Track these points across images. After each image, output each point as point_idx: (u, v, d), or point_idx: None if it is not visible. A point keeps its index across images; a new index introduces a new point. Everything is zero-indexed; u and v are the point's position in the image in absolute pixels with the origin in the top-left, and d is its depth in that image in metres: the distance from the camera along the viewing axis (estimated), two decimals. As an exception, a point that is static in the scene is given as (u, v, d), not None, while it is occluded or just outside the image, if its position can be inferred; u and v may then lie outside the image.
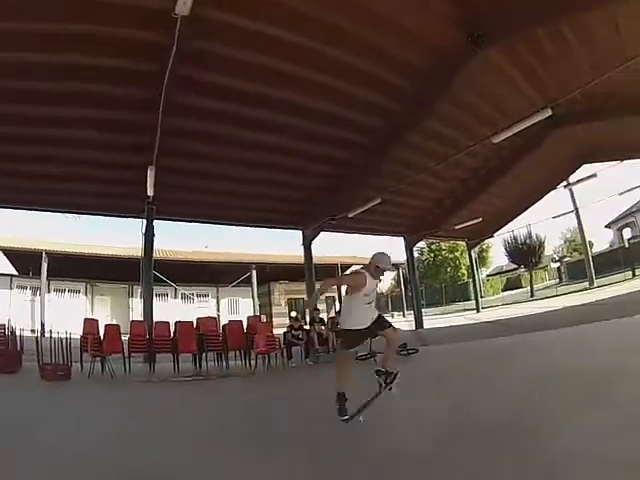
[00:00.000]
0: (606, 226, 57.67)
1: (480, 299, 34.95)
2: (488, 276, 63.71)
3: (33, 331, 24.40)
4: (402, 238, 26.98)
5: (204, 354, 14.05)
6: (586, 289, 30.99)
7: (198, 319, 15.63)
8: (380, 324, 6.36)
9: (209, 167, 15.67)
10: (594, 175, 25.81)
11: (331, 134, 15.31)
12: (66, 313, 28.66)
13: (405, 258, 28.14)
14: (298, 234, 21.34)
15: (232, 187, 17.06)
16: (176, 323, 14.82)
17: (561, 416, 5.41)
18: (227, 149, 14.84)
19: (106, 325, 13.73)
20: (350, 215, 18.61)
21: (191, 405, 9.01)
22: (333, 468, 4.61)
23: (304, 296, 28.46)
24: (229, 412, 7.96)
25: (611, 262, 36.74)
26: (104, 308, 34.13)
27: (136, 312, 28.83)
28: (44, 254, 29.09)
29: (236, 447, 5.43)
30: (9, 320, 13.80)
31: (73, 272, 32.17)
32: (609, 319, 13.57)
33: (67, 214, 21.08)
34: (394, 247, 69.72)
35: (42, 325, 25.93)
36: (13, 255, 32.29)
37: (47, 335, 13.73)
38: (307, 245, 20.77)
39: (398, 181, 18.54)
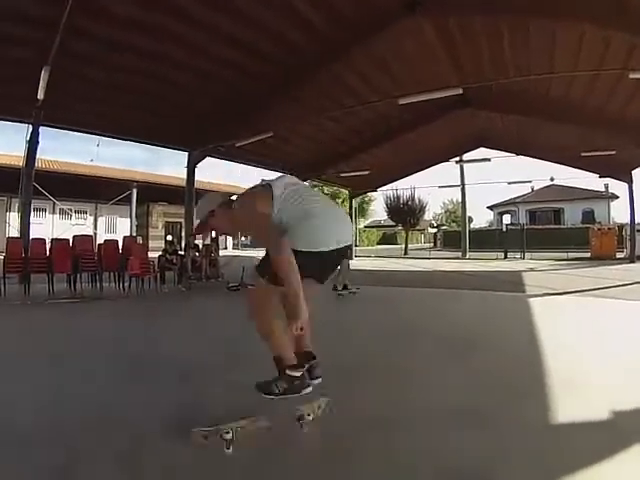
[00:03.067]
0: (489, 207, 62.78)
1: (354, 248, 35.79)
2: (366, 227, 66.48)
3: None
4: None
5: (79, 275, 13.94)
6: (458, 258, 33.47)
7: (74, 237, 15.42)
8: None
9: (106, 75, 14.67)
10: (488, 159, 27.94)
11: (232, 57, 14.90)
12: None
13: None
14: (183, 157, 21.06)
15: (127, 99, 16.33)
16: (52, 241, 14.72)
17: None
18: (127, 57, 13.88)
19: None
20: (238, 144, 18.71)
21: (60, 327, 9.08)
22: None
23: (182, 220, 28.38)
24: (93, 334, 8.31)
25: (487, 240, 40.18)
26: None
27: (13, 228, 27.92)
28: None
29: (85, 367, 5.88)
30: None
31: None
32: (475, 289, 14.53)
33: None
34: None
35: None
36: None
37: None
38: (191, 168, 20.61)
39: (294, 119, 19.02)
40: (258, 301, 3.72)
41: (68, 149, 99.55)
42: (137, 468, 3.27)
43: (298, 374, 3.61)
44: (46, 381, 5.29)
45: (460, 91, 14.85)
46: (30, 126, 15.34)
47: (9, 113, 15.85)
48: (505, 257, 31.95)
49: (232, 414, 3.60)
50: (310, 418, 3.68)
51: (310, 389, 3.68)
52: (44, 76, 12.08)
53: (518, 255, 31.87)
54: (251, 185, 4.12)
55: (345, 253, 3.74)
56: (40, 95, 12.92)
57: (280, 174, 4.75)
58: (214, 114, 18.13)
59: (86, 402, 4.51)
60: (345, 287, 13.02)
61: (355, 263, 27.63)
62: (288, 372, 3.59)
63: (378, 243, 58.93)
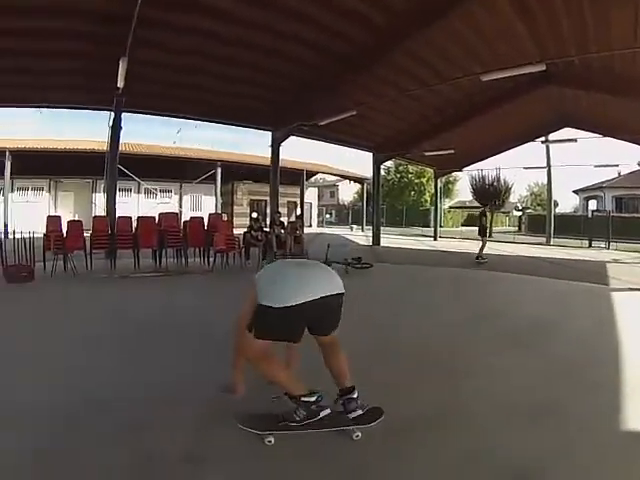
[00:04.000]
0: (574, 191, 59.55)
1: (439, 228, 35.96)
2: (450, 207, 64.66)
3: None
4: (371, 154, 27.21)
5: (164, 250, 14.21)
6: (542, 244, 31.83)
7: (160, 214, 15.74)
8: None
9: (184, 60, 15.11)
10: (574, 140, 26.54)
11: (312, 38, 14.77)
12: (30, 212, 28.53)
13: (371, 174, 28.32)
14: (267, 136, 21.02)
15: (206, 82, 16.63)
16: (138, 218, 14.96)
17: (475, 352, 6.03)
18: (204, 43, 14.19)
19: (68, 222, 13.77)
20: (321, 123, 18.31)
21: (147, 300, 9.45)
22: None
23: (267, 198, 28.54)
24: (181, 308, 8.58)
25: (571, 226, 37.49)
26: (67, 204, 34.08)
27: (99, 208, 28.77)
28: (7, 153, 28.44)
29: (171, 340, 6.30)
30: None
31: (37, 169, 31.82)
32: (559, 278, 13.80)
33: (37, 109, 20.56)
34: (362, 161, 69.04)
35: (5, 226, 25.52)
36: None
37: (11, 236, 13.55)
38: (275, 147, 20.58)
39: (376, 97, 18.52)
40: (256, 355, 3.79)
41: (154, 133, 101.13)
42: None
43: (312, 399, 3.76)
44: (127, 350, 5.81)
45: (543, 67, 14.07)
46: (112, 113, 16.10)
47: (93, 102, 16.80)
48: (590, 245, 30.17)
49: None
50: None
51: (328, 411, 3.79)
52: (122, 65, 12.49)
53: (603, 244, 30.04)
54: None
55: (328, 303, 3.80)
56: (120, 84, 13.47)
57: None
58: (296, 93, 18.08)
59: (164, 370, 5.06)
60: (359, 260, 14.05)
61: (439, 244, 27.30)
62: (303, 399, 3.74)
63: (462, 225, 57.61)
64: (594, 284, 12.53)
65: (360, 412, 3.83)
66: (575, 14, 13.79)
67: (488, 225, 22.04)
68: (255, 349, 3.76)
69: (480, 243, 18.95)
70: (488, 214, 44.93)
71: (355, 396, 3.89)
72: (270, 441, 3.60)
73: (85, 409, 4.02)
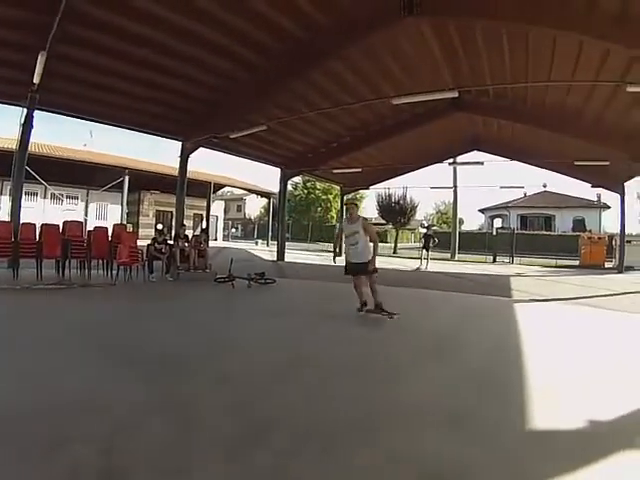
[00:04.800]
0: (480, 210, 63.04)
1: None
2: None
3: None
4: (279, 169, 27.53)
5: (68, 261, 13.99)
6: (447, 259, 33.55)
7: (64, 222, 15.36)
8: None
9: (102, 61, 14.71)
10: (481, 163, 28.83)
11: (230, 48, 14.93)
12: None
13: (278, 189, 28.51)
14: (177, 146, 20.73)
15: (122, 86, 16.33)
16: (42, 226, 14.45)
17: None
18: (125, 45, 14.02)
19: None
20: (232, 136, 18.50)
21: (49, 312, 9.32)
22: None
23: (173, 210, 28.38)
24: (80, 320, 8.48)
25: (476, 243, 40.01)
26: None
27: (3, 211, 27.92)
28: None
29: (74, 352, 6.28)
30: None
31: None
32: (464, 292, 14.69)
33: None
34: (271, 175, 69.62)
35: None
36: None
37: None
38: (184, 158, 20.40)
39: (289, 113, 18.86)
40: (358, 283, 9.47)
41: (63, 131, 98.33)
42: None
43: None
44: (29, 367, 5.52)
45: (456, 94, 14.80)
46: (25, 110, 15.29)
47: (4, 96, 15.85)
48: (494, 261, 31.89)
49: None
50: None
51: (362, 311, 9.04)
52: (41, 60, 12.24)
53: (507, 259, 31.84)
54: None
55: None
56: (36, 79, 13.14)
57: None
58: (210, 105, 18.26)
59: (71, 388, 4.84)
60: (262, 275, 14.41)
61: (343, 259, 27.69)
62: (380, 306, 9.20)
63: None
64: (498, 297, 13.50)
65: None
66: (493, 46, 14.76)
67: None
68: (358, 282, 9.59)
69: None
70: (393, 231, 46.31)
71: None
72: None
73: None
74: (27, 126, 15.39)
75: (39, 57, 12.14)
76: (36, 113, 15.49)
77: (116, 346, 6.67)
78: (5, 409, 4.20)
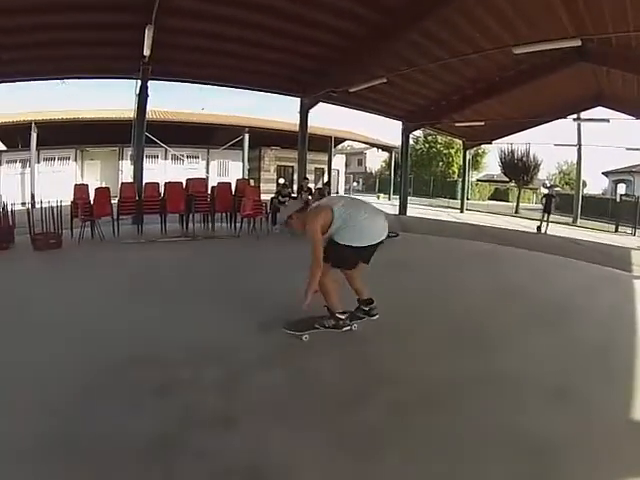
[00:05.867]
0: (604, 173, 56.87)
1: (466, 200, 35.02)
2: (478, 180, 62.77)
3: (24, 204, 24.66)
4: (400, 122, 26.56)
5: (191, 215, 14.36)
6: (568, 224, 30.17)
7: (187, 180, 15.63)
8: None
9: (210, 27, 14.91)
10: (606, 120, 24.95)
11: (345, 6, 14.28)
12: (56, 182, 28.94)
13: (400, 143, 27.67)
14: (295, 102, 20.76)
15: (233, 48, 16.36)
16: (165, 184, 14.93)
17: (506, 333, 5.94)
18: (230, 9, 13.96)
19: (96, 189, 13.75)
20: (351, 90, 18.05)
21: (172, 263, 9.79)
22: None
23: (294, 164, 28.36)
24: (205, 270, 8.94)
25: (599, 209, 36.39)
26: (94, 172, 34.34)
27: (126, 175, 28.95)
28: (33, 125, 28.88)
29: (204, 299, 6.65)
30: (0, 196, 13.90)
31: (63, 139, 32.07)
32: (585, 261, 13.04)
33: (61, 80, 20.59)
34: (391, 129, 68.25)
35: (32, 196, 25.95)
36: (2, 131, 31.90)
37: (38, 206, 13.70)
38: (304, 113, 20.34)
39: (408, 65, 18.04)
40: (329, 278, 5.36)
41: (179, 98, 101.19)
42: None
43: (342, 317, 5.43)
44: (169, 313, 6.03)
45: (578, 43, 13.65)
46: (139, 81, 16.08)
47: (120, 72, 16.96)
48: (616, 230, 28.32)
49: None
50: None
51: (349, 327, 5.53)
52: (148, 34, 12.76)
53: (629, 230, 27.77)
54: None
55: (378, 246, 5.43)
56: (146, 52, 13.78)
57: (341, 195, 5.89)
58: (326, 60, 17.74)
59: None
60: None
61: (465, 217, 27.01)
62: (337, 315, 5.41)
63: (489, 198, 56.07)
64: (618, 270, 11.94)
65: (378, 316, 5.68)
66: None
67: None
68: (329, 274, 5.31)
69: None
70: (515, 189, 44.15)
71: (374, 304, 5.67)
72: (306, 337, 5.22)
73: (127, 365, 4.33)
74: (143, 95, 16.11)
75: (146, 31, 12.65)
76: (150, 83, 16.24)
77: (241, 292, 7.09)
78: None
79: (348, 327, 5.48)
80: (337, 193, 39.04)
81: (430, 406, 3.82)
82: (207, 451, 3.09)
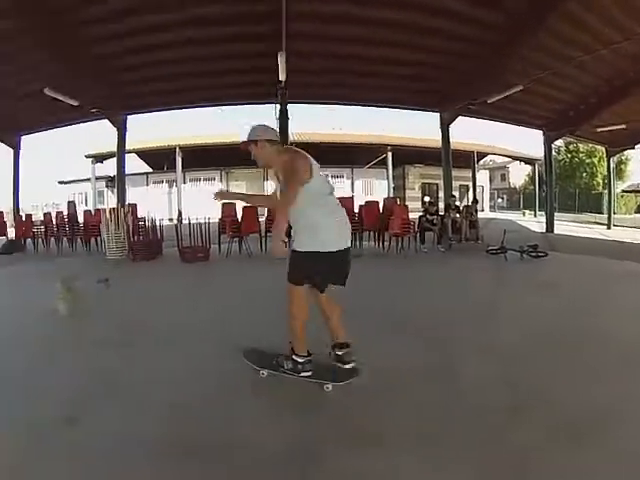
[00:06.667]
0: None
1: (612, 215, 31.20)
2: (623, 191, 56.18)
3: (171, 220, 26.09)
4: (541, 132, 25.21)
5: None
6: None
7: (337, 199, 15.66)
8: None
9: (340, 48, 15.36)
10: None
11: (470, 13, 14.07)
12: (201, 200, 30.35)
13: (543, 154, 26.23)
14: (434, 118, 20.39)
15: (367, 67, 16.62)
16: None
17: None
18: (358, 29, 14.35)
19: (243, 207, 14.36)
20: (489, 101, 17.69)
21: None
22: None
23: (438, 181, 28.03)
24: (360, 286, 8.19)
25: None
26: None
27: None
28: (177, 149, 32.33)
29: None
30: (148, 212, 14.79)
31: (207, 162, 35.32)
32: None
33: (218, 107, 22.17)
34: (531, 141, 65.28)
35: (180, 213, 28.02)
36: (148, 155, 36.35)
37: (185, 222, 14.57)
38: (445, 128, 19.96)
39: (541, 69, 17.53)
40: (298, 301, 4.15)
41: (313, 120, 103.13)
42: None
43: (300, 360, 4.28)
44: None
45: None
46: (278, 105, 16.76)
47: (259, 97, 18.37)
48: None
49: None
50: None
51: (309, 374, 4.28)
52: (281, 60, 13.42)
53: None
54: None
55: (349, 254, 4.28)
56: (281, 77, 14.49)
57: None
58: (460, 72, 17.46)
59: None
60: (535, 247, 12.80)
61: (614, 234, 24.81)
62: (293, 357, 4.29)
63: (636, 211, 50.30)
64: None
65: (353, 364, 4.31)
66: None
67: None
68: (301, 296, 4.17)
69: None
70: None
71: (350, 349, 4.34)
72: (263, 374, 4.42)
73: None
74: (283, 119, 16.64)
75: (279, 57, 13.42)
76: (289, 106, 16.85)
77: (384, 309, 6.90)
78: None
79: (308, 373, 4.28)
80: (482, 211, 38.33)
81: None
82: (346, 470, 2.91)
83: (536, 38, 15.35)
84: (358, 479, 2.82)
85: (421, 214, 15.41)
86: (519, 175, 65.15)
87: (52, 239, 16.82)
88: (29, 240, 17.06)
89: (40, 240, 16.89)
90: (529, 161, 46.02)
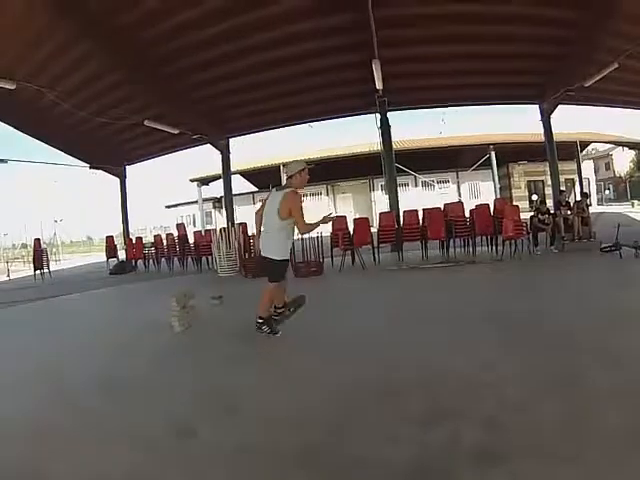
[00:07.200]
0: None
1: None
2: None
3: None
4: None
5: (452, 240, 14.47)
6: None
7: (445, 205, 15.86)
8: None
9: (434, 50, 15.25)
10: None
11: None
12: (311, 215, 31.55)
13: None
14: (533, 111, 19.81)
15: (461, 66, 16.36)
16: (424, 210, 15.23)
17: None
18: (450, 27, 14.17)
19: (355, 219, 14.53)
20: (586, 84, 16.57)
21: (437, 287, 9.75)
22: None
23: (544, 177, 27.26)
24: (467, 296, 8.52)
25: None
26: (347, 204, 36.74)
27: (378, 205, 30.25)
28: (281, 167, 32.40)
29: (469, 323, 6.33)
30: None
31: (312, 177, 35.01)
32: None
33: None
34: (633, 125, 60.66)
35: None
36: (252, 174, 38.95)
37: (296, 237, 14.82)
38: (546, 120, 19.02)
39: (633, 42, 16.82)
40: (271, 295, 6.23)
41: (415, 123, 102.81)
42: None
43: (267, 315, 6.23)
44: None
45: None
46: (378, 114, 16.91)
47: (359, 108, 18.12)
48: None
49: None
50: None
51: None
52: (376, 68, 13.48)
53: None
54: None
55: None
56: (378, 85, 14.55)
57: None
58: (555, 60, 16.90)
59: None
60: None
61: None
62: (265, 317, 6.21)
63: None
64: None
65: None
66: None
67: None
68: (274, 290, 6.23)
69: None
70: None
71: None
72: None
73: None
74: (385, 127, 16.85)
75: (373, 65, 13.37)
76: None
77: (510, 319, 6.41)
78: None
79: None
80: (590, 205, 36.90)
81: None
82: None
83: (626, 8, 14.76)
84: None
85: (532, 214, 14.93)
86: (623, 162, 61.02)
87: (163, 259, 17.72)
88: (140, 261, 18.14)
89: (151, 260, 17.95)
90: (634, 145, 43.53)
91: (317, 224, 6.27)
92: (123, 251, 19.97)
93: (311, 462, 3.08)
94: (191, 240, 17.67)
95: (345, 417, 3.73)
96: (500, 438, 3.20)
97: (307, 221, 6.18)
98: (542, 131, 19.55)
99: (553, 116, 19.11)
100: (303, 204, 6.05)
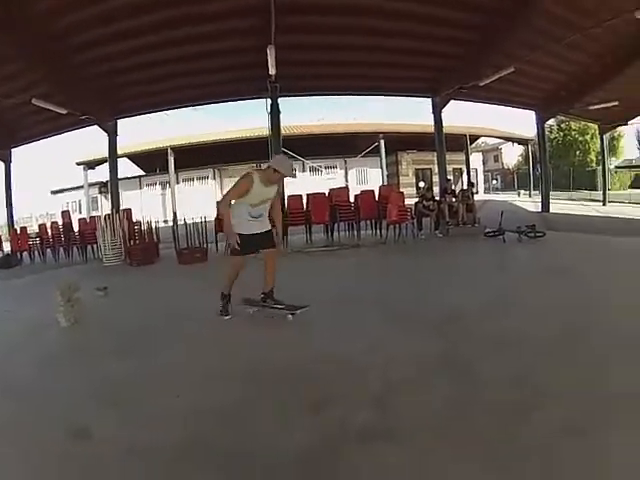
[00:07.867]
0: None
1: (607, 192, 31.02)
2: (616, 167, 54.99)
3: (166, 222, 26.08)
4: (534, 112, 25.24)
5: (336, 224, 14.77)
6: None
7: (330, 190, 16.07)
8: (265, 241, 6.38)
9: (330, 39, 15.29)
10: None
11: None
12: (196, 200, 31.73)
13: (535, 134, 26.46)
14: (424, 104, 20.37)
15: (356, 57, 16.58)
16: (308, 195, 15.27)
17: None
18: (347, 19, 14.25)
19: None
20: (481, 84, 17.42)
21: (325, 271, 10.05)
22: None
23: (432, 166, 27.96)
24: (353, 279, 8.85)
25: None
26: None
27: None
28: (169, 150, 32.53)
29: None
30: (143, 216, 14.85)
31: (200, 161, 35.55)
32: None
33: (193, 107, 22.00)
34: (523, 121, 64.60)
35: (174, 214, 27.99)
36: (139, 158, 37.19)
37: (180, 223, 14.54)
38: (437, 113, 19.79)
39: (531, 50, 17.47)
40: (235, 267, 6.47)
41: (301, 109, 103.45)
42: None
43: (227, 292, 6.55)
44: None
45: None
46: (269, 100, 16.78)
47: (251, 92, 17.92)
48: None
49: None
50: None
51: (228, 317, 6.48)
52: (270, 54, 13.38)
53: None
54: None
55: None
56: (271, 71, 14.40)
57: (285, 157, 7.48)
58: (452, 56, 17.47)
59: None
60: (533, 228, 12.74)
61: (610, 209, 25.12)
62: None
63: (630, 187, 48.60)
64: None
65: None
66: None
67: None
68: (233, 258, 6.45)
69: None
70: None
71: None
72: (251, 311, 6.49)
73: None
74: (275, 112, 16.76)
75: (268, 51, 13.35)
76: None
77: (398, 302, 6.75)
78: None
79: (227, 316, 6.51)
80: (477, 193, 38.23)
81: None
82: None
83: (526, 19, 15.30)
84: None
85: (417, 200, 15.36)
86: (512, 156, 64.78)
87: (48, 250, 16.88)
88: (25, 253, 17.14)
89: (36, 252, 16.97)
90: (522, 141, 45.77)
91: (228, 222, 6.24)
92: (8, 243, 18.75)
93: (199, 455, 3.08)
94: (76, 228, 17.01)
95: (234, 409, 3.70)
96: (387, 418, 3.35)
97: (228, 201, 6.22)
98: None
99: (447, 108, 19.77)
100: (247, 187, 6.06)
